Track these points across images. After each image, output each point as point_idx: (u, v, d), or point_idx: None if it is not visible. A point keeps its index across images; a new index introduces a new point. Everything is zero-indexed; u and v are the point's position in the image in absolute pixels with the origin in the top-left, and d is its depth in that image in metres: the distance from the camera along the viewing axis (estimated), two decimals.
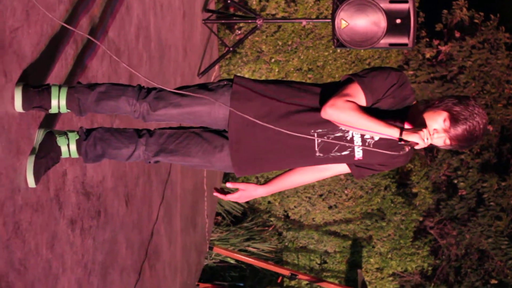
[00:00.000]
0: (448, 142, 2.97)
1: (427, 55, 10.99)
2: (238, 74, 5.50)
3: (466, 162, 11.42)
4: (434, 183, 11.90)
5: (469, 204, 11.57)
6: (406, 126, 3.03)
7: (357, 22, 6.35)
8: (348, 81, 3.13)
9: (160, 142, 3.24)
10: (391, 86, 3.08)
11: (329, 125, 3.08)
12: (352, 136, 3.12)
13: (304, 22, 7.53)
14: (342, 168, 3.34)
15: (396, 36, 6.45)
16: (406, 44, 6.49)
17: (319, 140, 3.11)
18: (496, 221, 11.36)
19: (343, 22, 6.34)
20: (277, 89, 3.21)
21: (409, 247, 11.80)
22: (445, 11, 11.13)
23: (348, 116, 2.97)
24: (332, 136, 3.10)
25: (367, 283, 11.78)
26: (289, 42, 10.25)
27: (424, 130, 2.91)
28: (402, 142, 2.92)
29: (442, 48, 10.95)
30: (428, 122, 2.97)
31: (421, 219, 11.91)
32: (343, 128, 3.09)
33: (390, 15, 6.32)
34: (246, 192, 3.37)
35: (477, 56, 10.77)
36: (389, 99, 3.08)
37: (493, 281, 11.67)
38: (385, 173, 11.54)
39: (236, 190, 3.37)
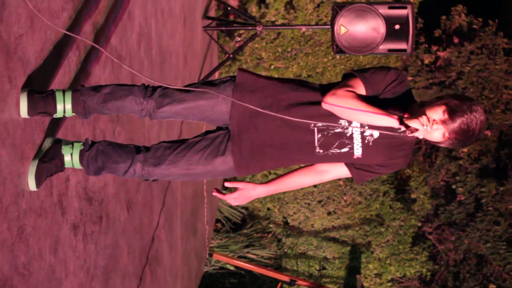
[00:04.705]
0: (446, 135, 3.00)
1: (426, 61, 11.03)
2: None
3: (465, 168, 11.45)
4: (432, 189, 11.93)
5: (468, 209, 11.59)
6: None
7: (356, 28, 6.39)
8: (349, 75, 3.21)
9: (158, 155, 3.25)
10: (391, 82, 3.14)
11: (330, 119, 3.12)
12: (352, 133, 3.15)
13: (303, 29, 7.56)
14: (342, 172, 3.36)
15: (395, 42, 6.47)
16: (405, 50, 6.51)
17: (319, 135, 3.14)
18: (494, 226, 11.37)
19: (342, 28, 6.37)
20: (280, 83, 3.26)
21: (407, 252, 11.81)
22: (443, 17, 11.18)
23: (347, 104, 3.01)
24: (332, 132, 3.14)
25: None
26: (289, 49, 10.28)
27: (424, 116, 2.96)
28: (402, 128, 2.95)
29: (441, 53, 10.99)
30: (428, 113, 3.01)
31: (419, 224, 11.93)
32: (343, 123, 3.12)
33: (389, 21, 6.35)
34: (244, 191, 3.37)
35: (476, 62, 10.80)
36: (389, 95, 3.13)
37: (492, 286, 11.68)
38: (384, 179, 11.56)
39: (235, 189, 3.39)
